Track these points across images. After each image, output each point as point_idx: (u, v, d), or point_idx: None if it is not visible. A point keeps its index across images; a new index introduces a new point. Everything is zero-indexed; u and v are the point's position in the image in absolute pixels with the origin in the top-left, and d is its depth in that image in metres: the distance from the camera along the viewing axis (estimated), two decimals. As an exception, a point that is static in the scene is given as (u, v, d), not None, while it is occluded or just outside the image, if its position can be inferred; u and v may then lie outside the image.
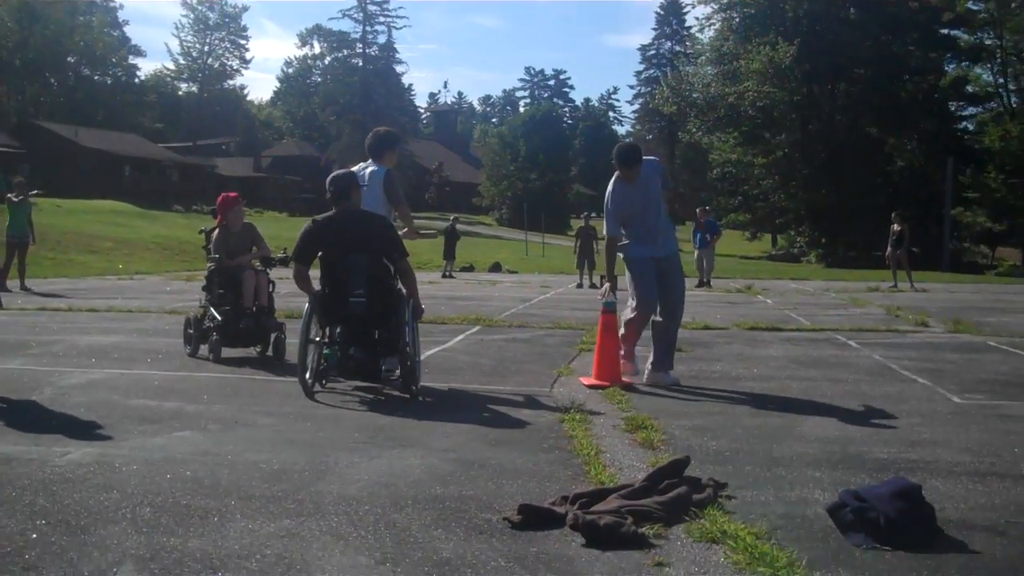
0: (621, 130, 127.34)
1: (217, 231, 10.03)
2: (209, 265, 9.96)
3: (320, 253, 7.83)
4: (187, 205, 63.17)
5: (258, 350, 9.81)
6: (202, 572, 3.62)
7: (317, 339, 7.75)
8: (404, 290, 7.88)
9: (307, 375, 7.60)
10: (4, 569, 3.59)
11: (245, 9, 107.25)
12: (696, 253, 26.09)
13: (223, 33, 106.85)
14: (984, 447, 6.06)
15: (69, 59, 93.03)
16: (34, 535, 3.99)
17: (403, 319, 7.55)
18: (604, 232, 8.83)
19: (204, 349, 9.59)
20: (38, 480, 4.86)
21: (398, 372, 7.68)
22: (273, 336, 9.69)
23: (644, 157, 8.60)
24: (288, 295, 15.10)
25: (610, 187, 8.68)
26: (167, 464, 5.24)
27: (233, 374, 8.67)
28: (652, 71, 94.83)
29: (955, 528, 4.28)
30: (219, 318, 9.50)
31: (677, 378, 8.53)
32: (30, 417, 6.58)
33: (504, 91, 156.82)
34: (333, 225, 7.76)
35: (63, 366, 8.87)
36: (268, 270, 10.05)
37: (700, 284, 25.04)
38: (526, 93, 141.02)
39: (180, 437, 5.99)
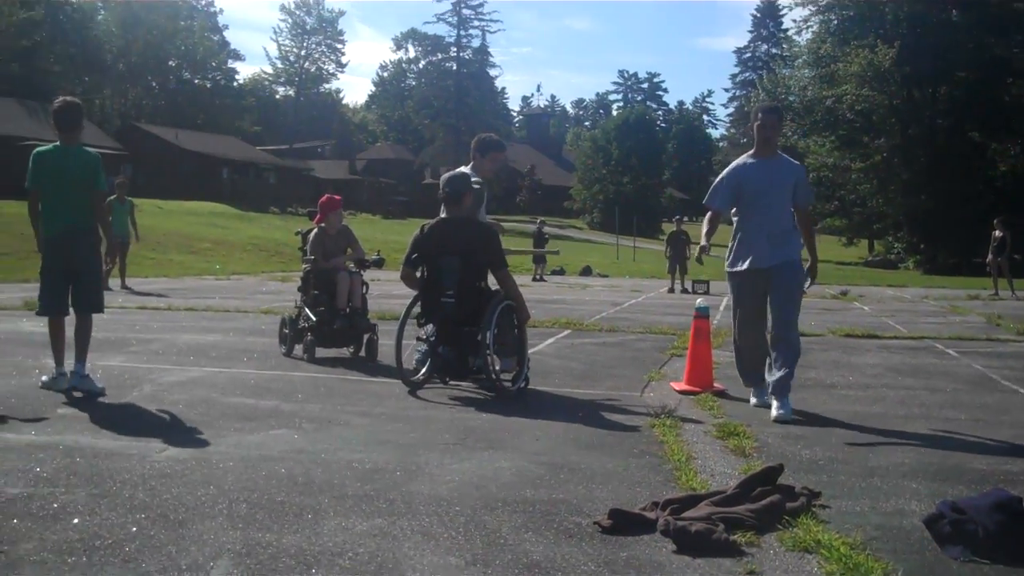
0: (715, 133, 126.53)
1: (314, 232, 10.18)
2: (304, 266, 10.12)
3: (415, 255, 8.06)
4: (283, 207, 64.12)
5: (351, 351, 9.94)
6: (296, 568, 3.67)
7: (424, 337, 8.00)
8: (503, 291, 7.98)
9: (416, 375, 7.95)
10: (105, 561, 3.69)
11: (341, 13, 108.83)
12: None
13: (320, 37, 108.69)
14: (1089, 461, 5.88)
15: (170, 63, 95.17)
16: (134, 528, 4.09)
17: (489, 320, 7.61)
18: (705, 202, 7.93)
19: (299, 349, 9.74)
20: (138, 475, 4.98)
21: (503, 371, 7.79)
22: (366, 337, 9.81)
23: (793, 161, 7.78)
24: (380, 297, 15.24)
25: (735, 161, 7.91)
26: (263, 461, 5.33)
27: (327, 374, 8.79)
28: (748, 74, 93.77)
29: (1058, 543, 4.16)
30: (314, 319, 9.64)
31: (783, 412, 7.09)
32: (130, 413, 6.75)
33: (597, 94, 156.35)
34: (435, 230, 8.02)
35: (162, 364, 9.08)
36: (362, 272, 10.17)
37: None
38: (619, 96, 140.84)
39: (275, 435, 6.09)
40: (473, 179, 8.26)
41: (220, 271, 29.43)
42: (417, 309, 8.15)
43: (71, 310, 7.62)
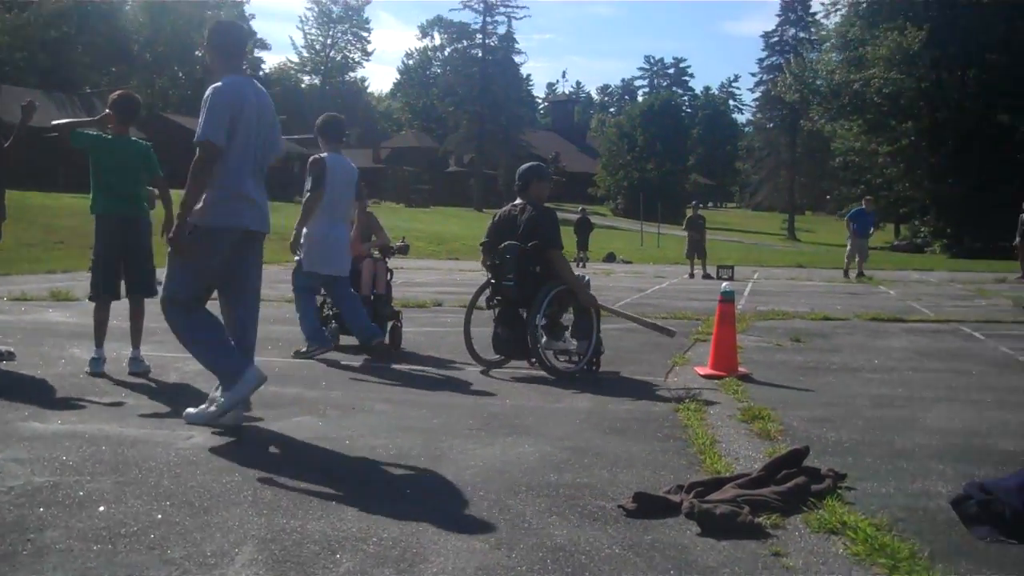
0: (741, 118, 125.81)
1: (337, 220, 10.17)
2: (328, 254, 10.11)
3: (485, 240, 8.66)
4: (308, 196, 64.27)
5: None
6: (321, 553, 3.68)
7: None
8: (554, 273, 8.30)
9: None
10: (131, 548, 3.71)
11: (368, 1, 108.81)
12: (854, 242, 25.06)
13: (346, 26, 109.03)
14: (1119, 442, 5.84)
15: (197, 53, 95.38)
16: (159, 515, 4.11)
17: (539, 304, 7.96)
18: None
19: (323, 336, 9.75)
20: (163, 462, 5.00)
21: (577, 353, 8.33)
22: (390, 324, 9.80)
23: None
24: (404, 284, 15.26)
25: None
26: (287, 448, 5.35)
27: (352, 361, 8.80)
28: (775, 58, 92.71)
29: (1087, 524, 4.13)
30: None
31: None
32: (156, 401, 6.79)
33: (623, 80, 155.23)
34: (500, 216, 8.66)
35: (187, 353, 9.08)
36: (386, 259, 10.17)
37: (847, 274, 24.57)
38: (645, 82, 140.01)
39: (300, 422, 6.11)
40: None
41: (246, 260, 29.54)
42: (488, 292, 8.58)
43: (123, 295, 7.95)
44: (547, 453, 5.34)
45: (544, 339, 8.21)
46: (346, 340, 9.64)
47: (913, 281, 24.02)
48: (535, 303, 7.97)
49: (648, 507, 4.24)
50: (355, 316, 8.94)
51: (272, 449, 5.32)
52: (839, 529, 3.98)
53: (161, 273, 6.41)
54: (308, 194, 8.76)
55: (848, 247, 25.43)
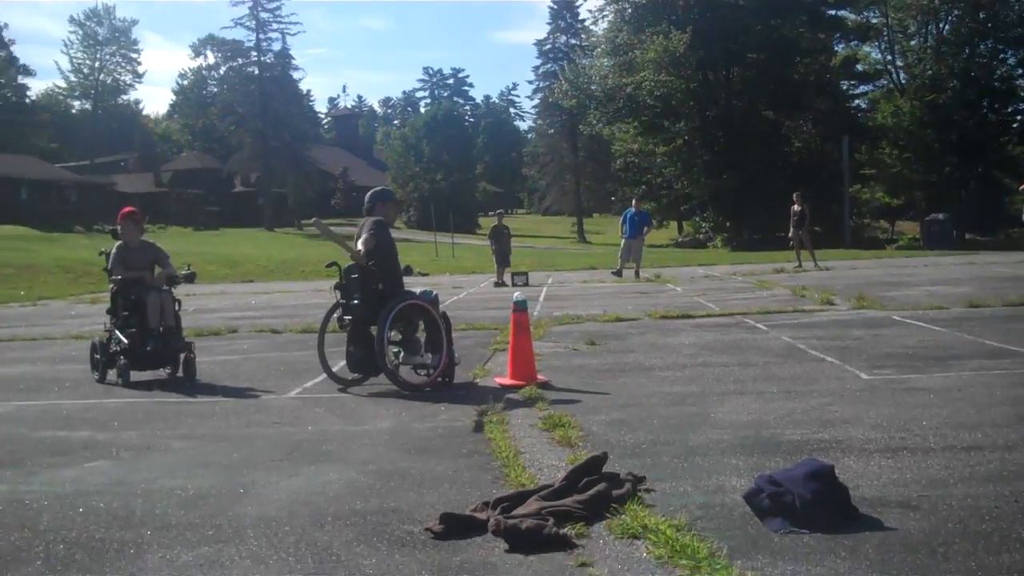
0: (523, 125, 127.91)
1: (115, 247, 9.82)
2: (111, 286, 9.75)
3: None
4: (88, 225, 61.84)
5: (168, 371, 9.63)
6: (121, 608, 3.54)
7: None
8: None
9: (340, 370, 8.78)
10: (-87, 619, 3.49)
11: (135, 22, 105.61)
12: (625, 242, 25.37)
13: (113, 48, 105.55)
14: (894, 423, 6.21)
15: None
16: (-58, 582, 3.88)
17: (384, 320, 8.25)
18: None
19: (112, 374, 9.39)
20: (-55, 523, 4.72)
21: (432, 367, 8.50)
22: (182, 356, 9.52)
23: None
24: (197, 312, 14.83)
25: None
26: (79, 497, 5.12)
27: (144, 398, 8.51)
28: (549, 65, 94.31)
29: (869, 505, 4.38)
30: (125, 341, 9.30)
31: None
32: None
33: (404, 92, 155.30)
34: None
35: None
36: (173, 289, 9.86)
37: (620, 273, 24.75)
38: (426, 93, 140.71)
39: (92, 468, 5.86)
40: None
41: (24, 297, 28.10)
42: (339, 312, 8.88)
43: None
44: (352, 479, 5.30)
45: (402, 355, 8.54)
46: (138, 376, 9.32)
47: (699, 276, 24.86)
48: (380, 320, 8.23)
49: (455, 528, 4.26)
50: None
51: (63, 500, 5.07)
52: (641, 533, 4.09)
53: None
54: None
55: (621, 246, 25.62)
